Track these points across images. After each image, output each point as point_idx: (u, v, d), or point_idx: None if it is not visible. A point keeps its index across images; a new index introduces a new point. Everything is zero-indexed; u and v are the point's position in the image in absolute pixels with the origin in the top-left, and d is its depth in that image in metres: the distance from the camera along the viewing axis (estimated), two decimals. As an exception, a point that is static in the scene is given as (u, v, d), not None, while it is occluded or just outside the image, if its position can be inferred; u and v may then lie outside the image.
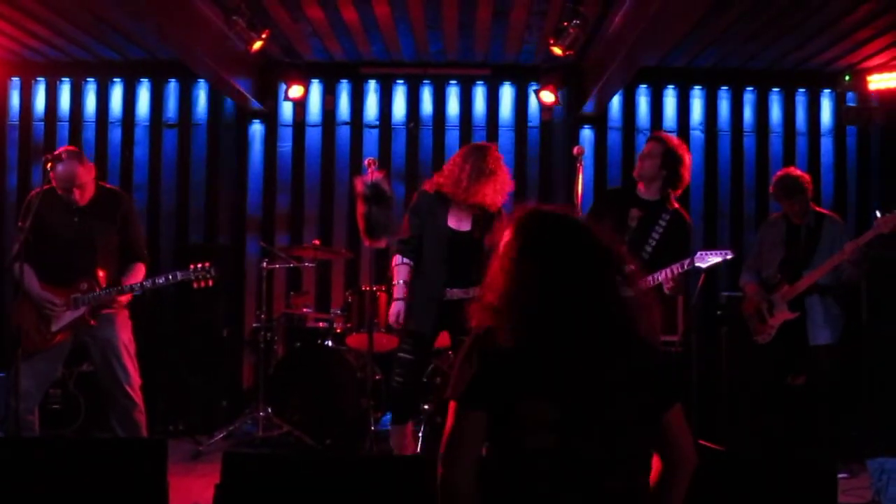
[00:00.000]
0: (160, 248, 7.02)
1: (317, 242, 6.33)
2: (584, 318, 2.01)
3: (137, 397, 4.60)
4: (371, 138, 7.28)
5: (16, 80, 7.34)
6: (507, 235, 2.13)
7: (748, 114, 7.29)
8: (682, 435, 2.10)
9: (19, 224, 4.37)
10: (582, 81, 7.09)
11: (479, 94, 7.31)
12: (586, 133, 7.11)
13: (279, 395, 5.93)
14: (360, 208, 4.77)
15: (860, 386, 5.82)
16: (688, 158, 4.64)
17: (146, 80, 7.31)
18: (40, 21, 6.19)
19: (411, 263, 4.67)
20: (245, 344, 7.10)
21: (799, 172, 5.39)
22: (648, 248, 4.52)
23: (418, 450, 5.27)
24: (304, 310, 6.44)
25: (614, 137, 7.26)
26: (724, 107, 7.29)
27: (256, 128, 7.33)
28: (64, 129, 7.32)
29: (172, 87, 7.32)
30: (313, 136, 7.32)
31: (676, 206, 4.58)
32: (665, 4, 4.88)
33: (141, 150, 7.31)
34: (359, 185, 4.77)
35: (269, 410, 5.86)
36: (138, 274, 4.69)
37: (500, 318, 2.02)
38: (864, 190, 7.21)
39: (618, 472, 2.01)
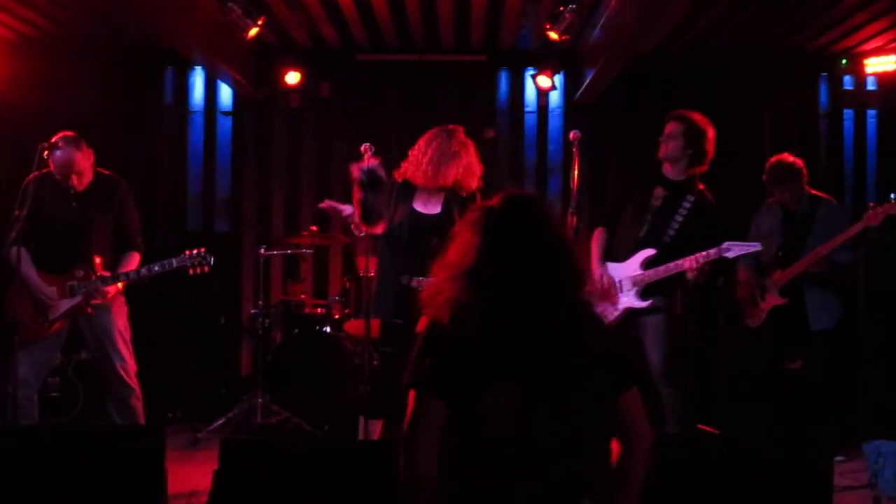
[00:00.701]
0: (155, 237, 6.99)
1: (314, 229, 6.32)
2: (539, 302, 2.01)
3: (134, 383, 4.62)
4: (366, 125, 7.22)
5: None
6: (473, 216, 2.14)
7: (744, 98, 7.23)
8: (638, 415, 2.11)
9: (15, 212, 4.34)
10: (579, 66, 7.07)
11: (475, 81, 7.25)
12: (583, 118, 7.08)
13: (277, 382, 5.94)
14: (357, 195, 4.75)
15: (856, 370, 5.82)
16: (711, 132, 4.58)
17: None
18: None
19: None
20: (243, 331, 7.09)
21: (792, 158, 5.33)
22: (671, 232, 4.52)
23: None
24: (302, 296, 6.44)
25: (612, 122, 7.24)
26: (720, 91, 7.23)
27: (252, 115, 7.29)
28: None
29: (169, 75, 7.24)
30: (308, 123, 7.28)
31: (701, 187, 4.56)
32: (661, -11, 4.88)
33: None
34: (354, 172, 4.75)
35: (268, 397, 5.88)
36: (132, 262, 4.68)
37: (453, 300, 2.02)
38: (861, 174, 7.18)
39: (577, 457, 2.01)
